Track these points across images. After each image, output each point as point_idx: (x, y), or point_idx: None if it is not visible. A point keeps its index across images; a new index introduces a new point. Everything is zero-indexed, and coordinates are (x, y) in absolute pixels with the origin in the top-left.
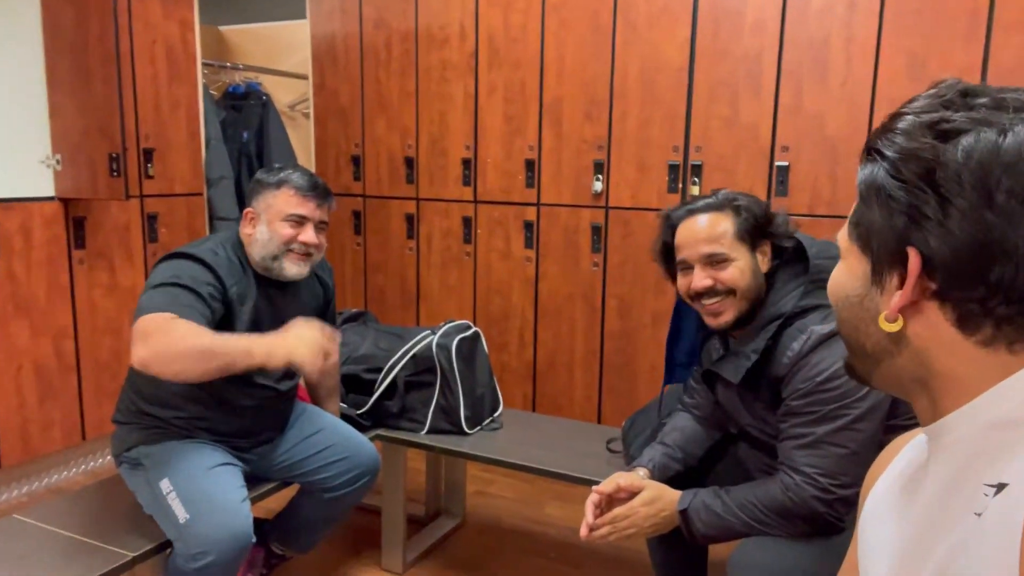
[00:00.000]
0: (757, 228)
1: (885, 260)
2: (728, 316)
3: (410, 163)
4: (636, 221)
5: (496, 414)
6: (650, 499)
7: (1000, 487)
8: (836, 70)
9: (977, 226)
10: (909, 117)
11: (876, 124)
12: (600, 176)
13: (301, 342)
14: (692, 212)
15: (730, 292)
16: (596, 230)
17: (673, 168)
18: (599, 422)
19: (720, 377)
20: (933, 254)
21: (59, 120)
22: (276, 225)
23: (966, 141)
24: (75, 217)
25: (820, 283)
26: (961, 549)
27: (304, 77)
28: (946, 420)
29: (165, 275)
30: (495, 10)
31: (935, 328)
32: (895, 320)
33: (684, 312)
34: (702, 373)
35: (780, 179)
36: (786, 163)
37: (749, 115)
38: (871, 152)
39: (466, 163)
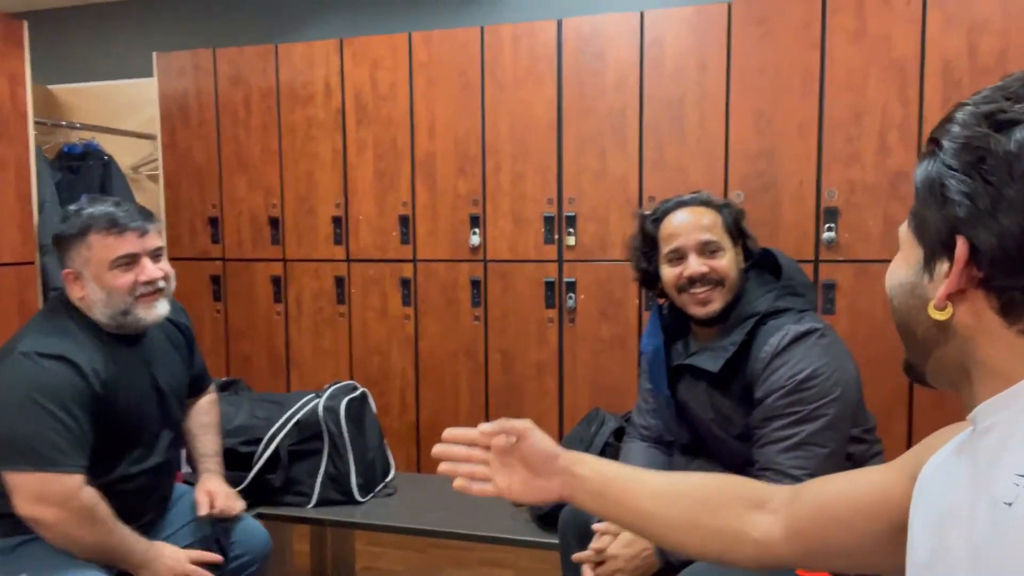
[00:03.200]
0: (736, 226)
1: (936, 248)
2: (716, 305)
3: (275, 223)
4: (515, 273)
5: (388, 479)
6: (628, 541)
7: None
8: (692, 126)
9: None
10: (969, 107)
11: (731, 175)
12: (477, 230)
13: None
14: (682, 205)
15: (719, 283)
16: (475, 284)
17: (548, 220)
18: None
19: (685, 376)
20: (981, 242)
21: None
22: (105, 278)
23: (1020, 132)
24: None
25: (790, 289)
26: (993, 538)
27: (151, 137)
28: (981, 408)
29: (43, 396)
30: (361, 68)
31: (979, 316)
32: (944, 308)
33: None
34: (670, 371)
35: None
36: None
37: (617, 167)
38: (931, 142)
39: (337, 221)
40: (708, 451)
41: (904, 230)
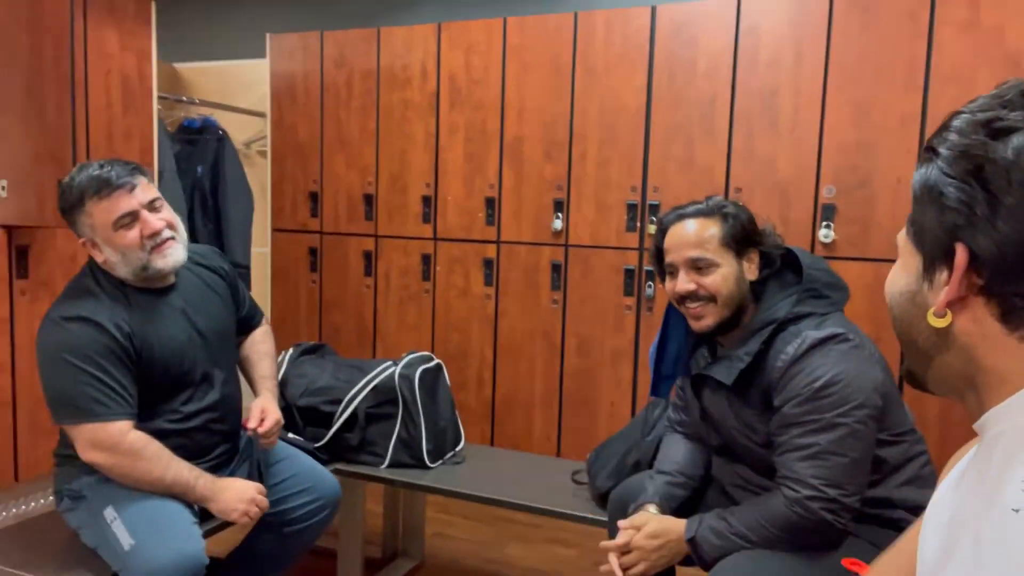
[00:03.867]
0: (744, 235)
1: (935, 256)
2: (709, 321)
3: (369, 200)
4: (595, 259)
5: (458, 448)
6: (655, 532)
7: None
8: (785, 117)
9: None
10: (965, 115)
11: (824, 169)
12: (560, 214)
13: (231, 506)
14: (681, 217)
15: (711, 298)
16: (556, 268)
17: (631, 207)
18: (558, 458)
19: (708, 383)
20: (980, 250)
21: (6, 144)
22: (114, 240)
23: (1017, 139)
24: (18, 246)
25: (813, 292)
26: (998, 544)
27: (261, 115)
28: (988, 415)
29: (71, 354)
30: (456, 52)
31: (981, 323)
32: (943, 315)
33: (672, 323)
34: (691, 379)
35: None
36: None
37: (704, 157)
38: (927, 150)
39: (426, 200)
40: (737, 456)
41: (902, 238)
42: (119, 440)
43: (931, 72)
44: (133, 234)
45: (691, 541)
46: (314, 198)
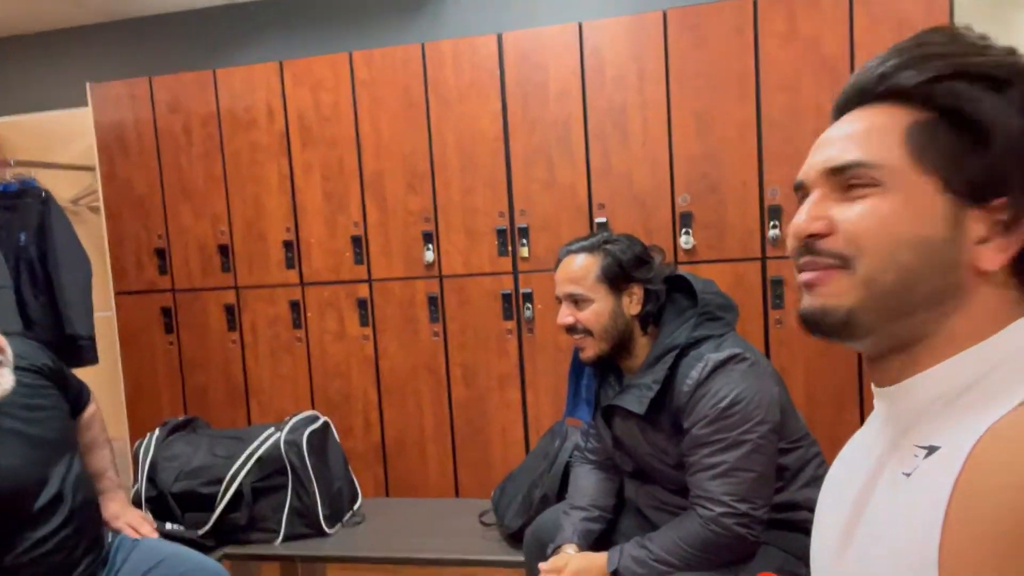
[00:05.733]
0: (622, 272)
1: (982, 196)
2: (589, 352)
3: (225, 251)
4: (471, 287)
5: (356, 506)
6: (577, 570)
7: (931, 449)
8: (636, 132)
9: None
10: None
11: (677, 179)
12: (430, 246)
13: None
14: (569, 251)
15: (588, 332)
16: (432, 300)
17: (501, 232)
18: (457, 495)
19: (618, 411)
20: None
21: None
22: None
23: None
24: None
25: (708, 315)
26: (888, 507)
27: (89, 168)
28: (915, 379)
29: None
30: (302, 90)
31: (1005, 271)
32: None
33: None
34: (602, 410)
35: None
36: (604, 219)
37: (565, 177)
38: (984, 78)
39: (288, 245)
40: (651, 478)
41: (903, 167)
42: None
43: (761, 82)
44: None
45: (614, 574)
46: (161, 254)
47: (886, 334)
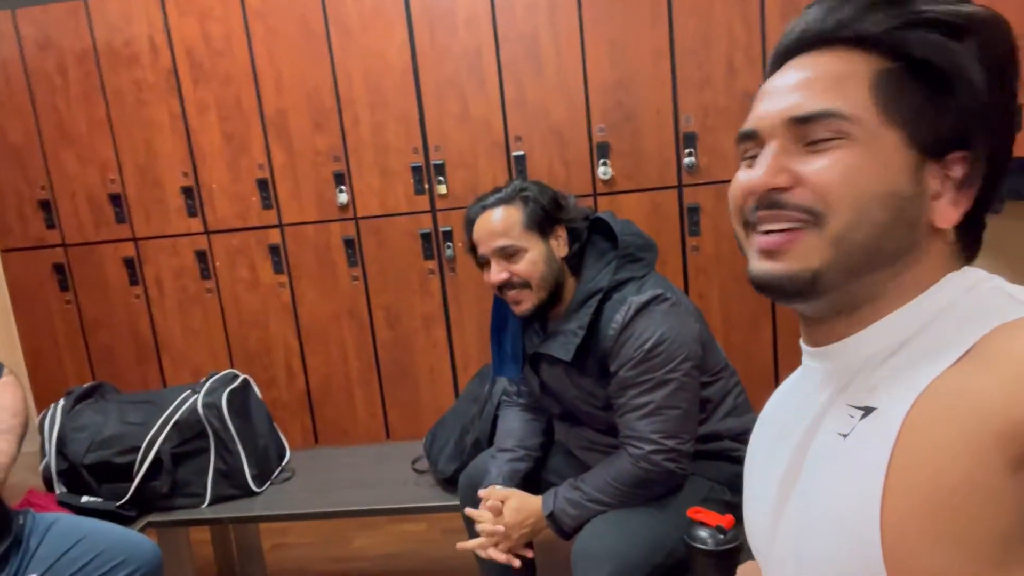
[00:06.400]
0: (546, 216)
1: (939, 148)
2: (527, 305)
3: (117, 200)
4: (388, 228)
5: (284, 461)
6: (516, 507)
7: (867, 410)
8: (549, 61)
9: None
10: None
11: (592, 109)
12: (343, 187)
13: None
14: (484, 208)
15: (525, 284)
16: (349, 243)
17: (416, 170)
18: (388, 438)
19: (544, 358)
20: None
21: None
22: None
23: None
24: None
25: (629, 257)
26: (826, 467)
27: None
28: (856, 337)
29: None
30: (188, 20)
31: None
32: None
33: (504, 304)
34: (528, 357)
35: (519, 168)
36: (522, 152)
37: (479, 110)
38: (940, 24)
39: (187, 192)
40: (580, 420)
41: (870, 119)
42: None
43: (673, 5)
44: None
45: (550, 516)
46: (46, 206)
47: (841, 294)
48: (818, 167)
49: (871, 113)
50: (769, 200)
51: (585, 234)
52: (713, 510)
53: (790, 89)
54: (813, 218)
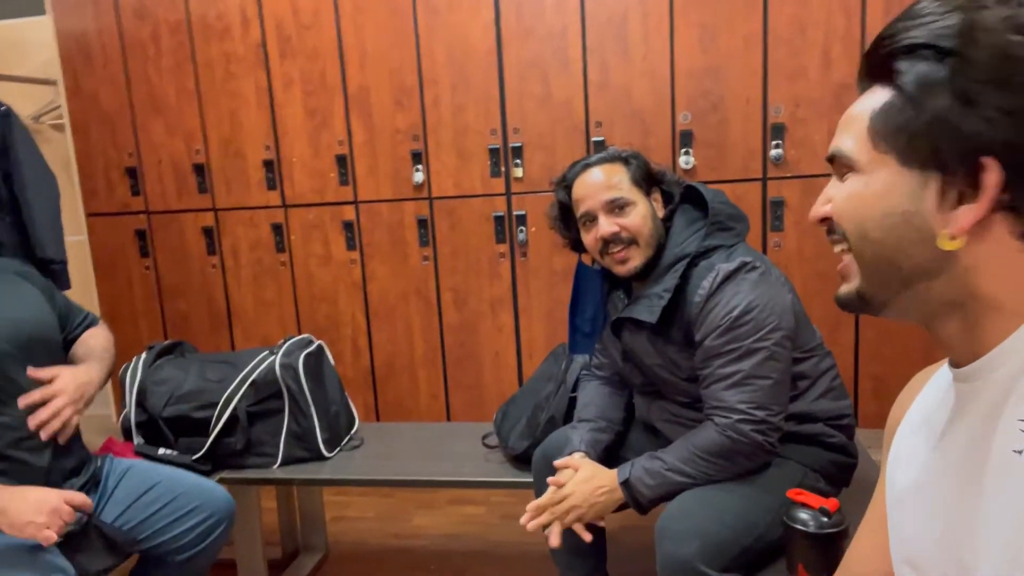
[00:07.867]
0: (648, 175)
1: (949, 171)
2: (635, 262)
3: (200, 170)
4: (462, 209)
5: (353, 431)
6: (587, 477)
7: None
8: (636, 45)
9: None
10: (988, 11)
11: (678, 95)
12: (420, 166)
13: (24, 519)
14: (587, 166)
15: (633, 240)
16: (422, 223)
17: (493, 152)
18: (448, 419)
19: (628, 324)
20: (1016, 159)
21: None
22: None
23: None
24: None
25: (719, 225)
26: (1002, 488)
27: (51, 82)
28: (992, 356)
29: None
30: None
31: (999, 243)
32: (959, 237)
33: (583, 280)
34: (611, 324)
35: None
36: (601, 138)
37: (561, 92)
38: (928, 48)
39: (268, 165)
40: (662, 392)
41: (865, 151)
42: None
43: None
44: None
45: (625, 484)
46: (132, 174)
47: (902, 309)
48: (836, 196)
49: (867, 145)
50: (827, 227)
51: (677, 199)
52: None
53: (839, 127)
54: (846, 242)
